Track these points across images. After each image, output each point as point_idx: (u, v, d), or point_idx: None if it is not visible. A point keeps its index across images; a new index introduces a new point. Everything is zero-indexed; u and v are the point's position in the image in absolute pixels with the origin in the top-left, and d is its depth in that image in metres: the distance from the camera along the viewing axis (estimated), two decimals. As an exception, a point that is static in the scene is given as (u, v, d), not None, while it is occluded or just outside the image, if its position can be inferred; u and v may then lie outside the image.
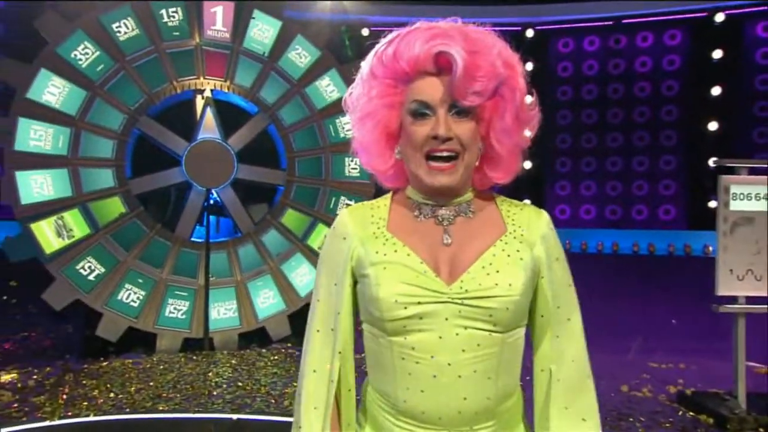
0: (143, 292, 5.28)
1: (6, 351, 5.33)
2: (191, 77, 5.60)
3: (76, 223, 5.14)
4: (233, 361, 5.01)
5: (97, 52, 5.27)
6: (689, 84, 14.50)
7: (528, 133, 1.11)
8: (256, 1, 5.80)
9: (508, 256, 1.06)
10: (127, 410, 3.88)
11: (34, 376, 4.51)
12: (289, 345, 5.51)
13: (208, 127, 5.60)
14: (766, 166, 4.03)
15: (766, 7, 12.94)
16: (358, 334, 1.13)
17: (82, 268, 5.12)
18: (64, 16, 5.21)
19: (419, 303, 1.02)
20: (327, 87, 5.98)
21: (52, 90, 5.11)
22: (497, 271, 1.03)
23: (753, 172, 3.92)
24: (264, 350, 5.39)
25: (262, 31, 5.81)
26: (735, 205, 3.83)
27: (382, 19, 12.47)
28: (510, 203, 1.15)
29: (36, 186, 5.03)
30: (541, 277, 1.09)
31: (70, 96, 5.18)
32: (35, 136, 5.05)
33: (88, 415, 3.78)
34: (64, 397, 4.07)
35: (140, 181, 5.49)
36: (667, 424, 3.74)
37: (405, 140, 1.07)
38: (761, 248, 3.79)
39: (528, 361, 1.11)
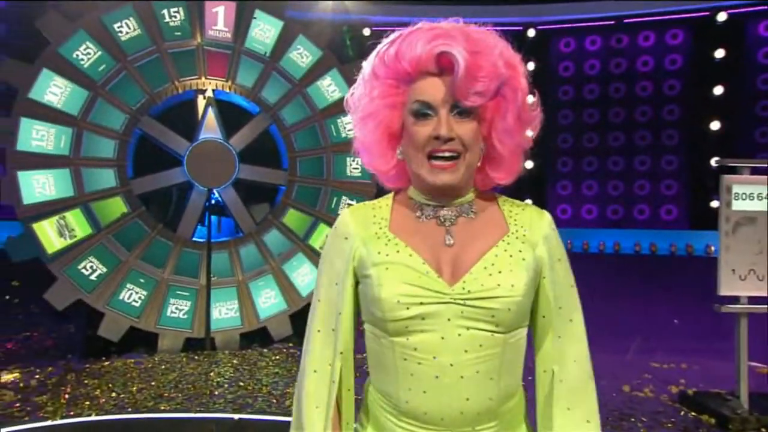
0: (145, 292, 5.29)
1: (8, 351, 5.34)
2: (193, 77, 5.61)
3: (78, 223, 5.15)
4: (235, 361, 5.02)
5: (99, 52, 5.28)
6: (691, 83, 14.48)
7: (530, 133, 1.11)
8: (258, 1, 5.80)
9: (511, 256, 1.06)
10: (129, 410, 3.89)
11: (36, 376, 4.52)
12: (290, 345, 5.51)
13: (210, 127, 5.60)
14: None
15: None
16: (359, 334, 1.13)
17: (84, 268, 5.12)
18: (66, 16, 5.22)
19: (421, 303, 1.02)
20: (328, 87, 5.98)
21: (54, 90, 5.12)
22: (499, 272, 1.03)
23: (755, 171, 3.91)
24: (265, 350, 5.39)
25: (264, 31, 5.82)
26: (737, 205, 3.82)
27: (384, 19, 12.46)
28: (512, 203, 1.15)
29: (38, 186, 5.04)
30: (542, 278, 1.09)
31: (72, 96, 5.18)
32: (37, 136, 5.06)
33: (90, 415, 3.79)
34: (66, 396, 4.08)
35: (142, 181, 5.49)
36: (669, 425, 3.74)
37: (407, 140, 1.07)
38: (763, 248, 3.78)
39: (530, 362, 1.11)
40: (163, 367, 4.80)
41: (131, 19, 5.38)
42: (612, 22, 14.87)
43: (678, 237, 14.21)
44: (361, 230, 1.11)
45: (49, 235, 5.03)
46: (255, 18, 5.76)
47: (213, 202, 5.66)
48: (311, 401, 1.10)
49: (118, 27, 5.34)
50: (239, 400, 4.09)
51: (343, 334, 1.11)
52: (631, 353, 5.35)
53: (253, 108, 5.88)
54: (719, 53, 13.74)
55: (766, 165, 4.06)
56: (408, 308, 1.02)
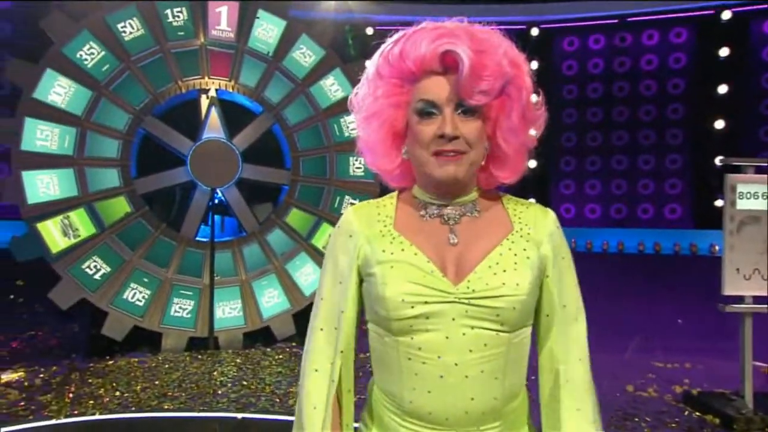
0: (149, 292, 5.30)
1: (13, 350, 5.36)
2: (196, 77, 5.62)
3: (81, 223, 5.17)
4: (238, 360, 5.02)
5: (103, 52, 5.29)
6: (695, 82, 14.42)
7: (533, 132, 1.10)
8: (261, 0, 5.81)
9: (515, 255, 1.05)
10: (133, 409, 3.90)
11: (41, 375, 4.54)
12: (293, 344, 5.52)
13: (213, 127, 5.61)
14: (773, 164, 4.00)
15: (772, 5, 12.85)
16: (362, 334, 1.13)
17: (88, 267, 5.14)
18: (70, 16, 5.23)
19: (426, 303, 1.02)
20: (331, 86, 5.98)
21: (58, 90, 5.13)
22: (504, 271, 1.03)
23: (760, 170, 3.89)
24: (269, 349, 5.40)
25: (267, 30, 5.82)
26: (741, 204, 3.81)
27: (387, 18, 12.46)
28: (516, 202, 1.14)
29: (42, 186, 5.05)
30: (546, 276, 1.09)
31: (75, 96, 5.20)
32: (41, 136, 5.08)
33: (93, 414, 3.80)
34: (71, 395, 4.09)
35: (145, 181, 5.51)
36: (673, 425, 3.72)
37: (411, 140, 1.07)
38: (768, 247, 3.76)
39: (533, 361, 1.11)
40: (166, 366, 4.81)
41: (135, 19, 5.40)
42: (616, 21, 14.82)
43: (682, 236, 14.16)
44: (366, 228, 1.10)
45: (53, 234, 5.05)
46: (258, 18, 5.77)
47: (216, 201, 5.67)
48: (311, 401, 1.10)
49: (122, 27, 5.36)
50: (242, 399, 4.10)
51: (345, 333, 1.10)
52: (634, 353, 5.34)
53: (256, 107, 5.89)
54: (723, 52, 13.69)
55: (770, 164, 4.04)
56: (412, 307, 1.02)
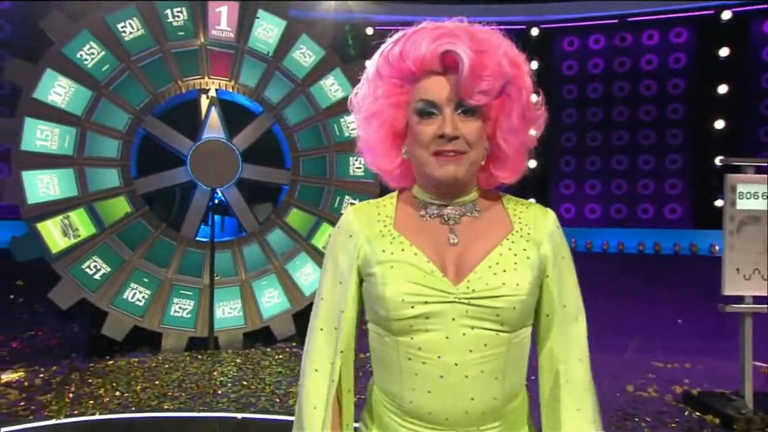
0: (148, 292, 5.30)
1: (13, 350, 5.36)
2: (196, 77, 5.62)
3: (81, 223, 5.17)
4: (238, 360, 5.02)
5: (103, 52, 5.29)
6: (695, 82, 14.42)
7: (533, 132, 1.10)
8: (261, 0, 5.80)
9: (515, 255, 1.05)
10: (133, 409, 3.90)
11: (41, 375, 4.54)
12: (293, 344, 5.52)
13: (213, 127, 5.61)
14: (773, 164, 4.00)
15: (773, 5, 12.85)
16: (362, 334, 1.13)
17: (88, 267, 5.14)
18: (70, 16, 5.23)
19: (426, 303, 1.02)
20: (331, 86, 5.98)
21: (58, 90, 5.13)
22: (504, 271, 1.03)
23: (760, 170, 3.89)
24: (269, 349, 5.40)
25: (267, 30, 5.82)
26: (741, 204, 3.81)
27: (387, 18, 12.46)
28: (516, 202, 1.14)
29: (42, 186, 5.05)
30: (546, 276, 1.09)
31: (75, 96, 5.20)
32: (41, 136, 5.08)
33: (94, 414, 3.80)
34: (71, 395, 4.09)
35: (145, 181, 5.51)
36: (673, 425, 3.72)
37: (411, 139, 1.07)
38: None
39: (533, 361, 1.11)
40: (166, 366, 4.81)
41: (135, 19, 5.39)
42: (616, 21, 14.82)
43: (682, 236, 14.16)
44: (366, 228, 1.10)
45: (54, 234, 5.05)
46: (258, 18, 5.77)
47: (216, 201, 5.67)
48: (311, 401, 1.10)
49: (122, 27, 5.36)
50: (242, 399, 4.10)
51: (345, 333, 1.10)
52: (634, 353, 5.34)
53: (256, 107, 5.89)
54: (723, 52, 13.69)
55: (770, 164, 4.04)
56: (412, 307, 1.02)
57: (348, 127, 5.94)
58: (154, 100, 5.47)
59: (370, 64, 1.10)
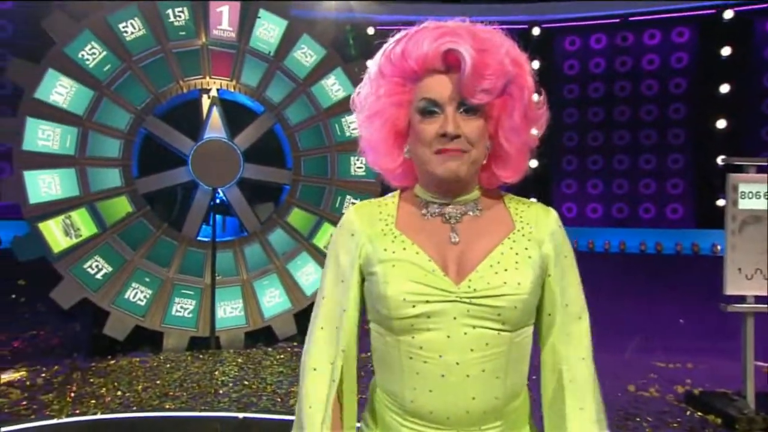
0: (150, 291, 5.31)
1: (15, 349, 5.37)
2: (197, 77, 5.62)
3: (83, 223, 5.17)
4: (239, 360, 5.03)
5: (104, 52, 5.30)
6: (697, 82, 14.39)
7: (535, 132, 1.10)
8: (262, 0, 5.81)
9: (517, 254, 1.05)
10: (134, 408, 3.90)
11: (43, 374, 4.55)
12: (295, 344, 5.52)
13: (215, 127, 5.62)
14: (775, 164, 3.99)
15: (775, 4, 12.82)
16: (363, 333, 1.12)
17: (90, 267, 5.15)
18: (72, 17, 5.24)
19: (427, 302, 1.01)
20: (333, 86, 5.98)
21: (59, 90, 5.14)
22: (505, 270, 1.03)
23: (762, 170, 3.88)
24: (270, 349, 5.40)
25: (268, 30, 5.82)
26: (743, 204, 3.80)
27: (388, 18, 12.45)
28: (518, 201, 1.14)
29: (44, 185, 5.06)
30: (548, 275, 1.08)
31: (77, 96, 5.20)
32: (43, 135, 5.08)
33: (95, 413, 3.80)
34: (72, 395, 4.10)
35: (147, 181, 5.51)
36: (675, 425, 3.72)
37: (413, 138, 1.07)
38: (770, 247, 3.75)
39: (535, 361, 1.10)
40: (168, 365, 4.81)
41: (136, 19, 5.40)
42: (617, 20, 14.79)
43: (684, 236, 14.13)
44: (367, 227, 1.10)
45: (55, 234, 5.05)
46: (259, 17, 5.77)
47: (218, 201, 5.68)
48: (308, 400, 1.09)
49: (123, 27, 5.36)
50: (244, 399, 4.10)
51: (347, 332, 1.10)
52: (635, 352, 5.33)
53: (258, 107, 5.89)
54: (726, 51, 13.65)
55: (772, 163, 4.03)
56: (414, 306, 1.01)
57: (349, 127, 5.94)
58: (155, 100, 5.47)
59: (373, 64, 1.10)
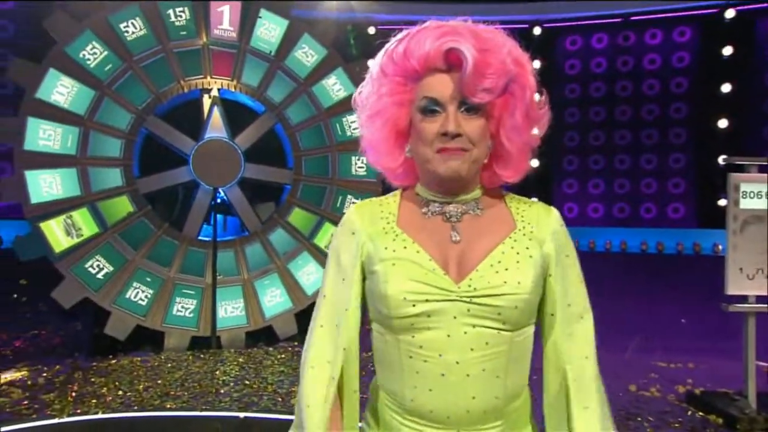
0: (151, 291, 5.31)
1: (16, 349, 5.38)
2: (198, 76, 5.62)
3: (84, 222, 5.18)
4: (240, 360, 5.03)
5: (105, 52, 5.30)
6: (699, 81, 14.37)
7: (537, 131, 1.10)
8: (263, 0, 5.81)
9: (517, 253, 1.05)
10: (135, 408, 3.91)
11: (44, 374, 4.55)
12: (296, 343, 5.52)
13: (215, 126, 5.62)
14: (776, 163, 3.98)
15: (777, 3, 12.79)
16: (364, 333, 1.12)
17: (91, 266, 5.15)
18: (73, 16, 5.24)
19: (427, 301, 1.01)
20: (334, 86, 5.98)
21: (60, 90, 5.14)
22: (506, 269, 1.03)
23: (763, 169, 3.87)
24: (271, 349, 5.40)
25: (269, 30, 5.82)
26: (745, 204, 3.79)
27: (389, 18, 12.45)
28: (519, 200, 1.14)
29: (45, 185, 5.07)
30: (549, 275, 1.08)
31: (78, 95, 5.21)
32: (44, 135, 5.09)
33: (96, 413, 3.81)
34: (73, 394, 4.10)
35: (148, 180, 5.52)
36: (676, 424, 3.71)
37: (415, 137, 1.07)
38: (772, 247, 3.74)
39: (536, 361, 1.10)
40: (169, 365, 4.82)
41: (137, 18, 5.40)
42: (619, 20, 14.77)
43: (685, 236, 14.12)
44: (369, 226, 1.11)
45: (57, 234, 5.06)
46: (260, 17, 5.77)
47: (219, 201, 5.68)
48: (306, 399, 1.09)
49: (124, 27, 5.37)
50: (245, 398, 4.11)
51: (347, 331, 1.09)
52: (636, 352, 5.32)
53: (259, 107, 5.89)
54: (727, 50, 13.63)
55: (774, 163, 4.02)
56: (414, 305, 1.01)
57: (350, 127, 5.94)
58: (156, 100, 5.48)
59: (375, 63, 1.10)
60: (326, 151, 5.97)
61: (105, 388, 4.23)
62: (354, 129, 5.92)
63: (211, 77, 5.66)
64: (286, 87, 5.87)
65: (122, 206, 5.34)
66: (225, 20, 5.69)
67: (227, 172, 5.61)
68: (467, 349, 1.01)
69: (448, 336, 1.01)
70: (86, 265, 5.13)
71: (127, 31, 5.38)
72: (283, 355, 5.20)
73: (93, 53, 5.26)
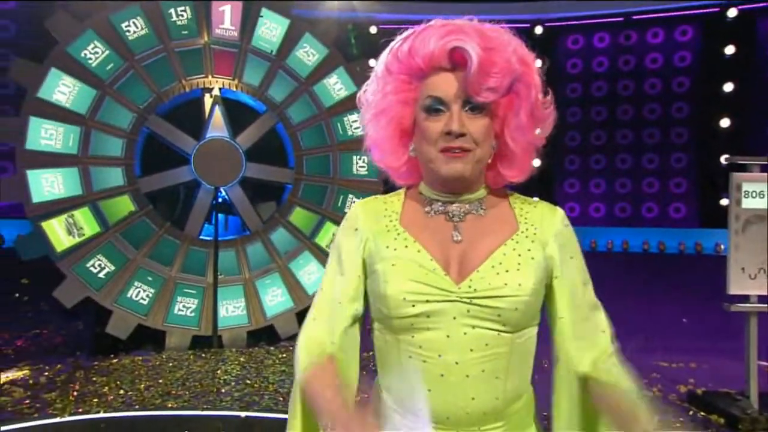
0: (152, 290, 5.31)
1: (18, 348, 5.38)
2: (200, 76, 5.63)
3: (86, 222, 5.18)
4: (241, 359, 5.03)
5: (107, 52, 5.31)
6: (700, 80, 14.35)
7: (539, 131, 1.09)
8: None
9: (519, 255, 1.04)
10: (137, 407, 3.91)
11: (46, 373, 4.56)
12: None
13: (217, 126, 5.62)
14: (778, 163, 3.97)
15: (779, 2, 12.76)
16: (365, 333, 1.12)
17: (93, 266, 5.16)
18: (75, 16, 5.25)
19: (427, 301, 1.01)
20: (335, 85, 5.98)
21: (62, 89, 5.15)
22: (507, 271, 1.02)
23: (765, 169, 3.86)
24: (272, 348, 5.41)
25: (270, 29, 5.82)
26: (747, 203, 3.78)
27: (390, 17, 12.44)
28: (523, 201, 1.14)
29: (47, 185, 5.07)
30: (555, 277, 1.07)
31: (80, 95, 5.21)
32: (46, 135, 5.09)
33: (98, 412, 3.81)
34: (75, 393, 4.11)
35: (149, 180, 5.52)
36: (678, 424, 3.71)
37: (419, 136, 1.07)
38: (774, 246, 3.74)
39: (537, 362, 1.10)
40: (170, 364, 4.82)
41: (139, 18, 5.41)
42: (621, 19, 14.75)
43: (687, 235, 14.10)
44: (372, 224, 1.10)
45: (58, 233, 5.07)
46: (261, 16, 5.77)
47: (220, 200, 5.68)
48: (295, 391, 1.11)
49: (126, 26, 5.37)
50: (246, 397, 4.11)
51: (338, 325, 1.08)
52: (638, 352, 5.31)
53: (260, 106, 5.89)
54: (729, 50, 13.60)
55: (776, 162, 4.00)
56: (414, 305, 1.01)
57: (351, 126, 5.94)
58: (157, 99, 5.48)
59: (380, 61, 1.09)
60: (327, 151, 5.96)
61: (106, 388, 4.23)
62: (355, 128, 5.92)
63: (213, 76, 5.66)
64: (287, 86, 5.87)
65: (124, 205, 5.34)
66: (226, 20, 5.69)
67: (228, 172, 5.61)
68: (467, 349, 1.01)
69: (448, 336, 1.01)
70: (88, 265, 5.14)
71: (128, 31, 5.38)
72: (284, 355, 5.20)
73: (94, 53, 5.26)
